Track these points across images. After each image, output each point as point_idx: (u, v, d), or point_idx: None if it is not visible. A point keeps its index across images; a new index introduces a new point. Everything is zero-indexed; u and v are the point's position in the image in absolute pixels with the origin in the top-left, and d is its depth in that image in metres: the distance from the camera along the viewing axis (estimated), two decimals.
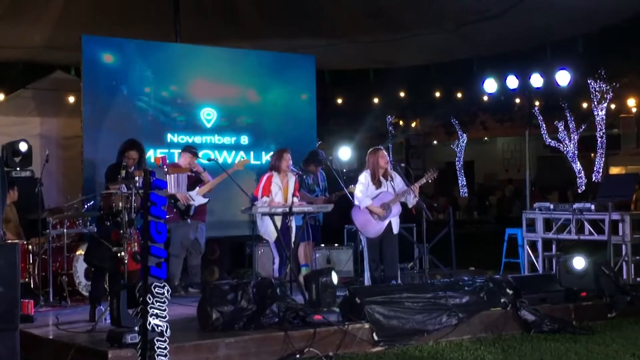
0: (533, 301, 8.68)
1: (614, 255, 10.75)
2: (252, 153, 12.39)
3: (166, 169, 9.58)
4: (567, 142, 26.34)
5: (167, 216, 9.71)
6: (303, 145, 12.18)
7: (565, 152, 26.57)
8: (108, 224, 8.48)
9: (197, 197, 10.44)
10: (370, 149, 9.81)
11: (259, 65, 12.69)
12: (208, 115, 12.20)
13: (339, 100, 23.52)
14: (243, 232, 11.68)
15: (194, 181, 10.51)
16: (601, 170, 25.42)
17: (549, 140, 27.11)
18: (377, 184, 9.55)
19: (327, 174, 11.30)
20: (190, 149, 10.70)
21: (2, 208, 6.94)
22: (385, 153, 9.79)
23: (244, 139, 12.43)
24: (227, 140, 12.30)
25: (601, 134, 25.33)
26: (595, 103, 24.62)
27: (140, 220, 7.21)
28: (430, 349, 7.65)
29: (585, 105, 25.47)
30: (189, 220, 10.36)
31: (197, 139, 11.94)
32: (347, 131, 22.17)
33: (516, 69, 13.48)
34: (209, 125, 12.20)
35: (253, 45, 13.75)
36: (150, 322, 5.94)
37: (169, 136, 11.84)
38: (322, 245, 11.85)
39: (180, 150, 11.01)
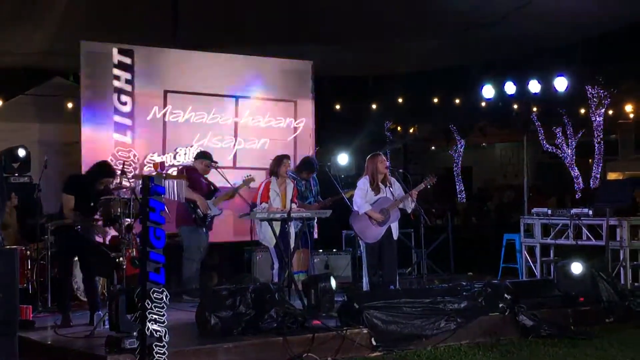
0: (531, 306, 8.71)
1: (612, 260, 10.76)
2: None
3: (164, 175, 9.58)
4: (565, 148, 26.32)
5: (184, 219, 9.78)
6: (301, 151, 12.21)
7: (563, 158, 26.56)
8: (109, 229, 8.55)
9: (213, 208, 10.45)
10: (370, 155, 9.82)
11: (258, 71, 12.72)
12: (207, 118, 12.22)
13: (337, 106, 23.51)
14: (242, 237, 11.69)
15: (211, 191, 10.50)
16: (599, 176, 25.40)
17: (547, 146, 27.09)
18: (376, 189, 9.55)
19: (324, 179, 11.30)
20: (209, 155, 10.67)
21: (2, 214, 6.94)
22: (385, 158, 9.80)
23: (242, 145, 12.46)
24: (226, 144, 12.31)
25: (599, 139, 25.31)
26: (593, 109, 24.60)
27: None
28: (428, 354, 7.66)
29: (583, 111, 25.44)
30: (204, 229, 10.37)
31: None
32: (345, 137, 22.15)
33: (514, 75, 13.51)
34: (207, 130, 12.23)
35: (252, 51, 13.78)
36: (149, 327, 5.96)
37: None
38: (321, 250, 11.88)
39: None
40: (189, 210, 10.21)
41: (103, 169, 8.80)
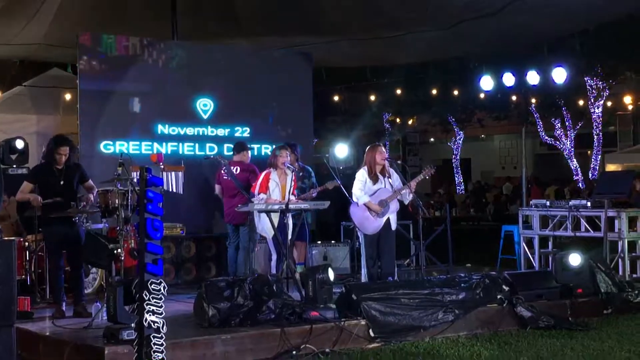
0: (529, 297, 8.72)
1: (610, 252, 10.76)
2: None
3: (162, 167, 9.56)
4: (563, 139, 26.35)
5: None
6: (299, 142, 12.19)
7: (562, 150, 26.58)
8: (104, 220, 8.55)
9: None
10: (369, 145, 9.82)
11: (256, 62, 12.71)
12: (205, 105, 12.21)
13: (336, 98, 23.52)
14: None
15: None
16: (598, 167, 25.44)
17: (546, 137, 27.12)
18: (374, 179, 9.54)
19: (322, 170, 11.26)
20: (248, 146, 10.63)
21: None
22: (384, 149, 9.78)
23: (241, 134, 12.46)
24: (221, 132, 12.29)
25: (598, 131, 25.34)
26: (592, 100, 24.63)
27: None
28: (426, 345, 7.67)
29: (581, 102, 25.48)
30: None
31: (190, 130, 12.00)
32: (344, 128, 22.21)
33: (513, 66, 13.50)
34: (205, 117, 12.22)
35: (250, 43, 13.77)
36: (146, 319, 5.96)
37: (160, 127, 11.87)
38: (319, 242, 11.88)
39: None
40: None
41: (56, 139, 8.80)
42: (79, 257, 8.66)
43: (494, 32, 13.91)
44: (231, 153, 11.15)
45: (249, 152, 10.74)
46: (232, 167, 10.44)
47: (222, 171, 10.51)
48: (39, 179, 8.66)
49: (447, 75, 20.71)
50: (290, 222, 9.61)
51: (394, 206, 9.58)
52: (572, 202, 11.37)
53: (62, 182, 8.51)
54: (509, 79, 12.98)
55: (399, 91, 23.86)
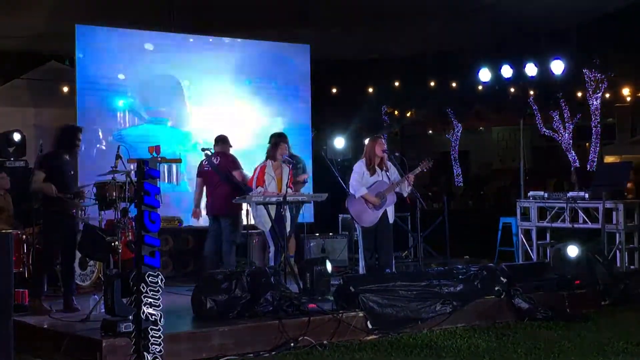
0: (527, 289, 8.72)
1: (608, 243, 10.78)
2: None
3: (159, 159, 9.56)
4: (562, 131, 26.31)
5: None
6: (297, 135, 12.20)
7: (560, 142, 26.55)
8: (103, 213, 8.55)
9: None
10: (370, 137, 9.81)
11: (254, 55, 12.70)
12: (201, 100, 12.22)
13: (334, 90, 23.47)
14: None
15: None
16: (596, 159, 25.42)
17: (544, 129, 27.08)
18: (372, 170, 9.54)
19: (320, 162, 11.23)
20: (229, 141, 10.63)
21: None
22: (384, 142, 9.76)
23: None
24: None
25: (596, 123, 25.30)
26: (590, 92, 24.57)
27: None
28: (424, 337, 7.67)
29: (580, 94, 25.43)
30: None
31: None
32: (342, 121, 22.13)
33: (511, 58, 13.47)
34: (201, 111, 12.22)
35: (247, 35, 13.74)
36: (144, 311, 5.95)
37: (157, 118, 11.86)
38: (317, 234, 11.89)
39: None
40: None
41: (76, 127, 8.77)
42: (73, 251, 8.63)
43: (492, 24, 13.91)
44: None
45: (230, 147, 10.62)
46: (212, 158, 10.37)
47: (203, 162, 10.45)
48: (51, 167, 8.50)
49: (445, 67, 20.67)
50: (288, 214, 9.61)
51: (392, 198, 9.57)
52: (570, 194, 11.37)
53: (72, 172, 8.46)
54: (507, 71, 12.97)
55: (397, 83, 23.82)
